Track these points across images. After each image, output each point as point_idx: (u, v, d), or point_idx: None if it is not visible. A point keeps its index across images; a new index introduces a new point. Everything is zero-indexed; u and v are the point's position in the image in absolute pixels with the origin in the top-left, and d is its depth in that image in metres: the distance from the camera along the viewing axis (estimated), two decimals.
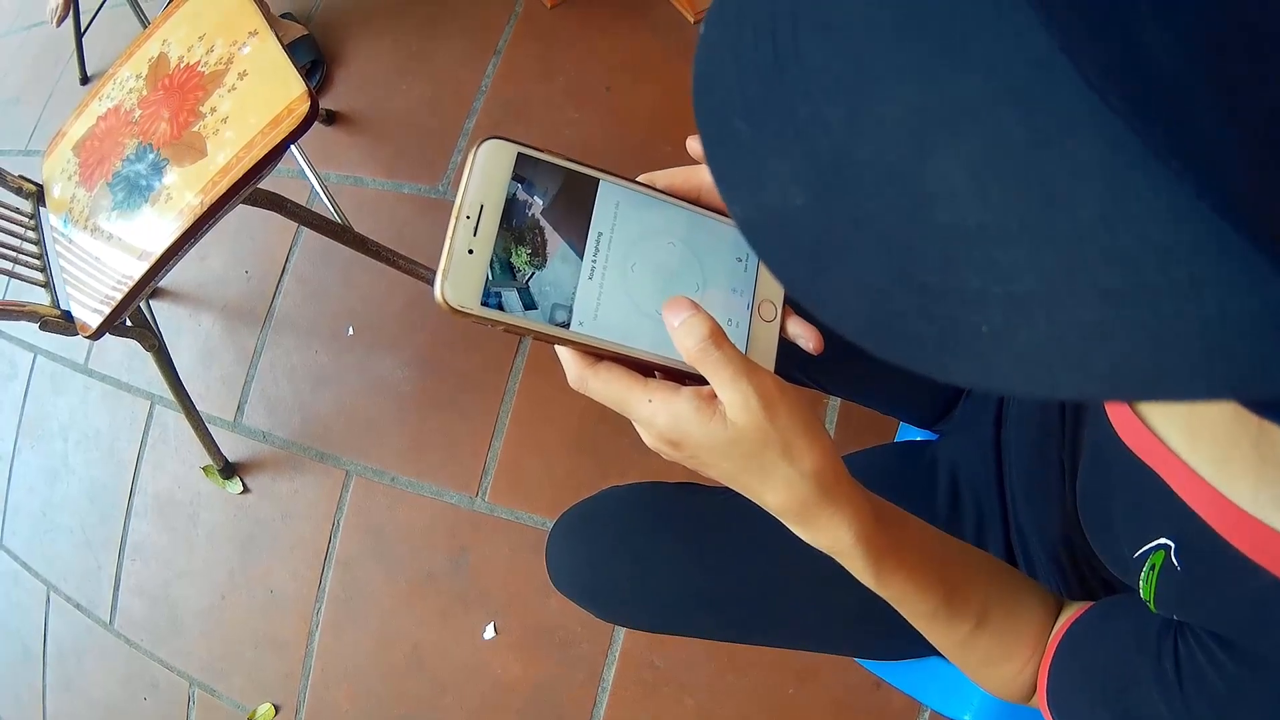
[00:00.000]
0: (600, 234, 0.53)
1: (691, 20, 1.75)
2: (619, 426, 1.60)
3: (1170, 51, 0.17)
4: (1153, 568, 0.52)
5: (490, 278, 0.49)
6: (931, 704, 0.92)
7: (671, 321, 0.51)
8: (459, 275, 0.48)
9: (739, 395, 0.50)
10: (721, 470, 0.53)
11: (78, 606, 1.97)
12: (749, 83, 0.28)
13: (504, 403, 1.67)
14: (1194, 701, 0.50)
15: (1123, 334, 0.22)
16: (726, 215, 0.56)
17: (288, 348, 1.84)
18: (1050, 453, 0.77)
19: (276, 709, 1.74)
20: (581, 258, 0.52)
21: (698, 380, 0.52)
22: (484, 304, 0.48)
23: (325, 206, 1.65)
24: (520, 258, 0.50)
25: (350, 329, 1.79)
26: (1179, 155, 0.20)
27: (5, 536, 2.13)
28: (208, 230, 1.33)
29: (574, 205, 0.52)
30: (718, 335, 0.50)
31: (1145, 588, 0.54)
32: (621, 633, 1.54)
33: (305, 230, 1.86)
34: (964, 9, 0.23)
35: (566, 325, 0.51)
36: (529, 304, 0.50)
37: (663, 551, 0.86)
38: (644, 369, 0.54)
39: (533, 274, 0.50)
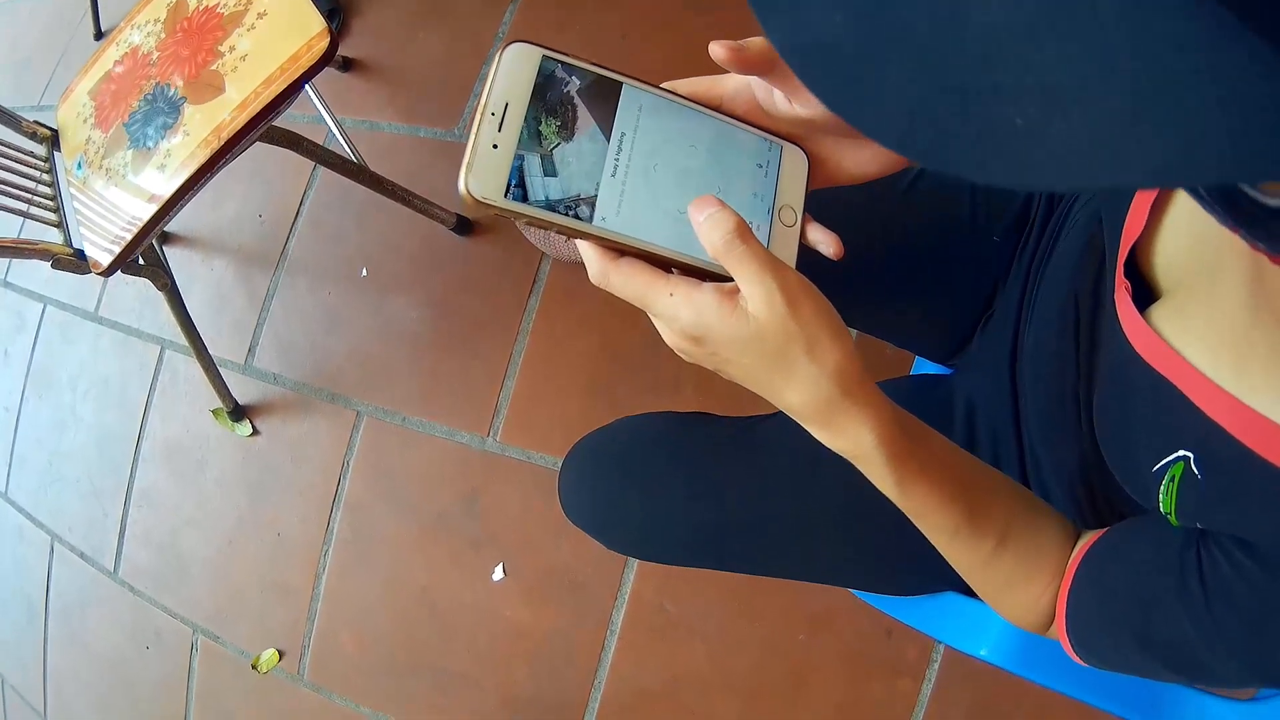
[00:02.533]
0: (624, 134, 0.52)
1: None
2: (632, 368, 1.55)
3: None
4: (1172, 479, 0.50)
5: (513, 172, 0.49)
6: (946, 639, 0.89)
7: (697, 217, 0.50)
8: (483, 169, 0.48)
9: (763, 290, 0.49)
10: (742, 367, 0.51)
11: (82, 556, 1.92)
12: None
13: (517, 343, 1.62)
14: (1221, 616, 0.48)
15: (1149, 119, 0.22)
16: (748, 123, 0.56)
17: (300, 290, 1.80)
18: (1066, 385, 0.74)
19: (281, 655, 1.69)
20: (605, 157, 0.52)
21: (718, 280, 0.51)
22: (507, 196, 0.49)
23: (341, 147, 1.61)
24: (548, 143, 0.50)
25: (364, 271, 1.75)
26: None
27: (10, 490, 2.08)
28: (223, 166, 1.31)
29: (598, 107, 0.52)
30: (743, 230, 0.49)
31: (1166, 500, 0.51)
32: (631, 576, 1.49)
33: (320, 174, 1.82)
34: None
35: (589, 220, 0.50)
36: (553, 194, 0.50)
37: (676, 482, 0.83)
38: (664, 267, 0.52)
39: (557, 167, 0.50)
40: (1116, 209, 0.58)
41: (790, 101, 0.54)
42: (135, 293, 1.95)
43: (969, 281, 0.88)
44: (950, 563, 0.63)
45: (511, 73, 0.50)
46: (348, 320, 1.75)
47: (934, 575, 0.84)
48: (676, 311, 0.50)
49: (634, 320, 1.57)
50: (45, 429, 2.02)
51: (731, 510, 0.82)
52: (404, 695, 1.60)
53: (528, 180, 0.49)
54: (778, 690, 1.42)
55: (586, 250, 0.51)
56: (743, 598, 1.44)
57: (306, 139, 1.45)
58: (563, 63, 0.52)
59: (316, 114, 1.66)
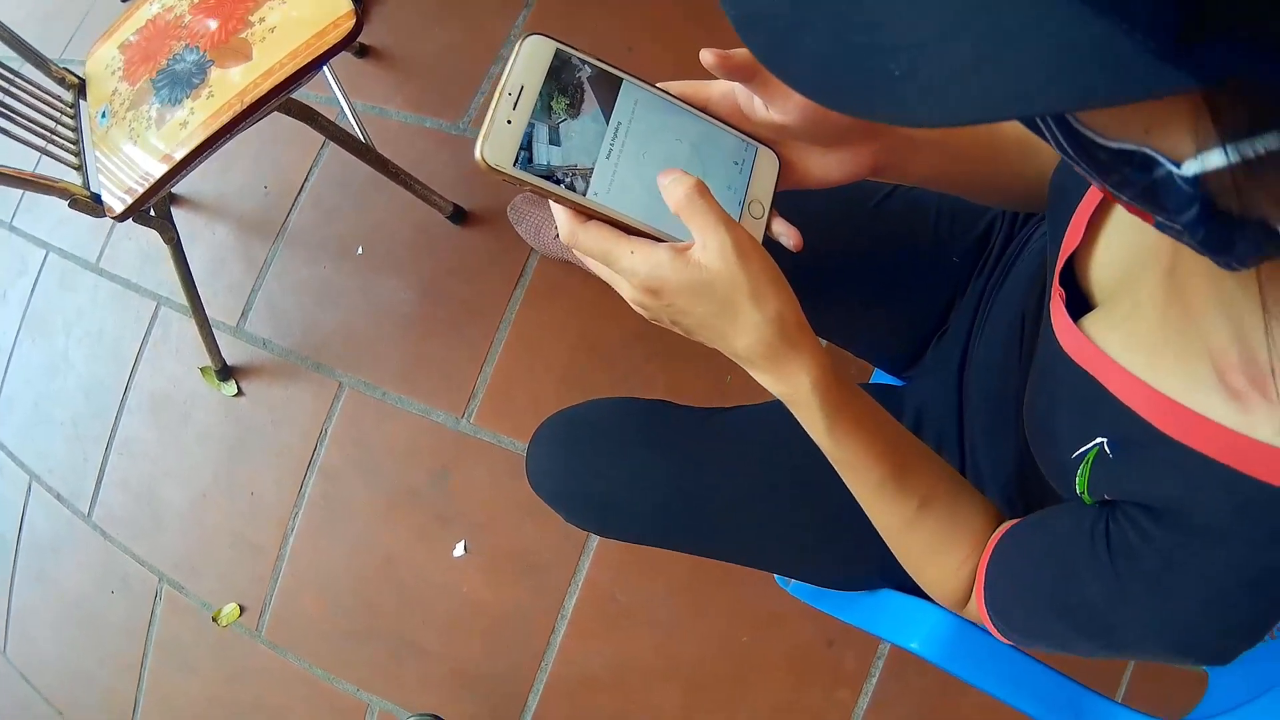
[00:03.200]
0: (620, 124, 0.58)
1: None
2: (608, 363, 1.60)
3: None
4: (1087, 461, 0.55)
5: (523, 141, 0.55)
6: (881, 633, 0.92)
7: (663, 180, 0.56)
8: (497, 140, 0.54)
9: (716, 239, 0.54)
10: (695, 316, 0.56)
11: (59, 497, 1.95)
12: None
13: (499, 331, 1.66)
14: (1126, 576, 0.52)
15: (991, 63, 0.27)
16: (729, 125, 0.62)
17: (297, 262, 1.83)
18: (1008, 393, 0.78)
19: (242, 610, 1.72)
20: (601, 141, 0.58)
21: None
22: (515, 165, 0.55)
23: (351, 127, 1.65)
24: (555, 117, 0.57)
25: (360, 249, 1.79)
26: None
27: None
28: (241, 130, 1.35)
29: (600, 96, 0.58)
30: (702, 188, 0.55)
31: (1080, 480, 0.56)
32: (587, 563, 1.53)
33: (327, 152, 1.86)
34: None
35: (583, 194, 0.56)
36: (555, 161, 0.56)
37: (638, 459, 0.87)
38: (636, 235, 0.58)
39: (561, 138, 0.56)
40: (1059, 224, 0.63)
41: (768, 108, 0.59)
42: (137, 248, 1.98)
43: (927, 296, 0.92)
44: (875, 524, 0.67)
45: (529, 59, 0.56)
46: (339, 295, 1.79)
47: (875, 569, 0.88)
48: (635, 266, 0.55)
49: (612, 317, 1.62)
50: (36, 371, 2.04)
51: (690, 489, 0.86)
52: (359, 660, 1.63)
53: (535, 146, 0.55)
54: (719, 686, 1.46)
55: (558, 212, 0.57)
56: (693, 593, 1.49)
57: (321, 115, 1.49)
58: (574, 55, 0.58)
59: (330, 95, 1.70)
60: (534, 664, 1.53)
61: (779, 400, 0.92)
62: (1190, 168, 0.30)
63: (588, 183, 0.56)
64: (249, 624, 1.71)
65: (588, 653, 1.52)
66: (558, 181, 0.56)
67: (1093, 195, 0.59)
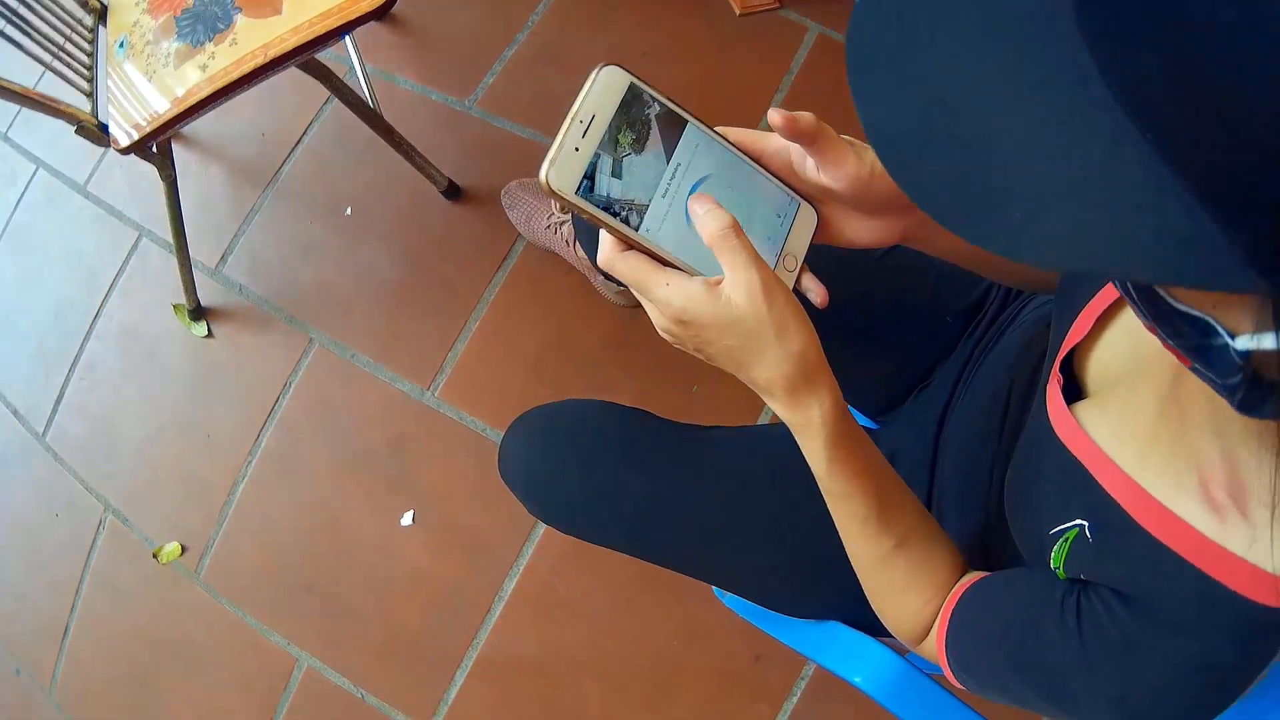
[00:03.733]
0: (679, 165, 0.60)
1: (738, 13, 1.77)
2: (577, 361, 1.60)
3: (1170, 102, 0.28)
4: (1066, 541, 0.57)
5: (588, 169, 0.56)
6: (827, 664, 0.93)
7: (696, 209, 0.59)
8: (563, 166, 0.55)
9: (746, 278, 0.56)
10: (721, 347, 0.59)
11: (15, 413, 1.91)
12: (884, 36, 0.37)
13: (475, 311, 1.66)
14: (1092, 648, 0.54)
15: (1103, 228, 0.30)
16: (777, 178, 0.64)
17: (284, 213, 1.81)
18: (985, 459, 0.80)
19: (183, 550, 1.70)
20: (660, 179, 0.59)
21: None
22: (577, 193, 0.56)
23: (361, 88, 1.63)
24: (620, 150, 0.57)
25: (349, 210, 1.77)
26: (1155, 139, 0.28)
27: None
28: (259, 83, 1.34)
29: (664, 135, 0.59)
30: (737, 227, 0.57)
31: (1056, 556, 0.58)
32: (531, 549, 1.53)
33: (329, 109, 1.84)
34: (1033, 31, 0.32)
35: (635, 228, 0.58)
36: (614, 194, 0.57)
37: (615, 466, 0.87)
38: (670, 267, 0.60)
39: (623, 172, 0.58)
40: (1066, 314, 0.65)
41: (818, 170, 0.61)
42: (127, 177, 1.95)
43: (916, 351, 0.94)
44: (851, 554, 0.69)
45: (603, 89, 0.57)
46: (322, 252, 1.77)
47: (829, 604, 0.89)
48: (670, 297, 0.58)
49: (588, 315, 1.62)
50: (9, 283, 2.00)
51: (664, 507, 0.87)
52: (292, 613, 1.62)
53: (598, 176, 0.56)
54: (643, 687, 1.47)
55: (603, 237, 0.59)
56: (631, 592, 1.49)
57: (335, 75, 1.48)
58: (646, 91, 0.59)
59: (344, 54, 1.69)
60: (466, 641, 1.53)
61: (760, 429, 0.93)
62: (1244, 343, 0.34)
63: (641, 218, 0.58)
64: (189, 564, 1.69)
65: (520, 637, 1.52)
66: (614, 214, 0.57)
67: (1106, 294, 0.61)
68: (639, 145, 0.58)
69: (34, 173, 2.06)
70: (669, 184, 0.59)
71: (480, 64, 1.80)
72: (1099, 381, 0.63)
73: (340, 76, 1.50)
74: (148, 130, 1.34)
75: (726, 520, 0.87)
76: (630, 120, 0.58)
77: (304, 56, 1.33)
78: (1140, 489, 0.52)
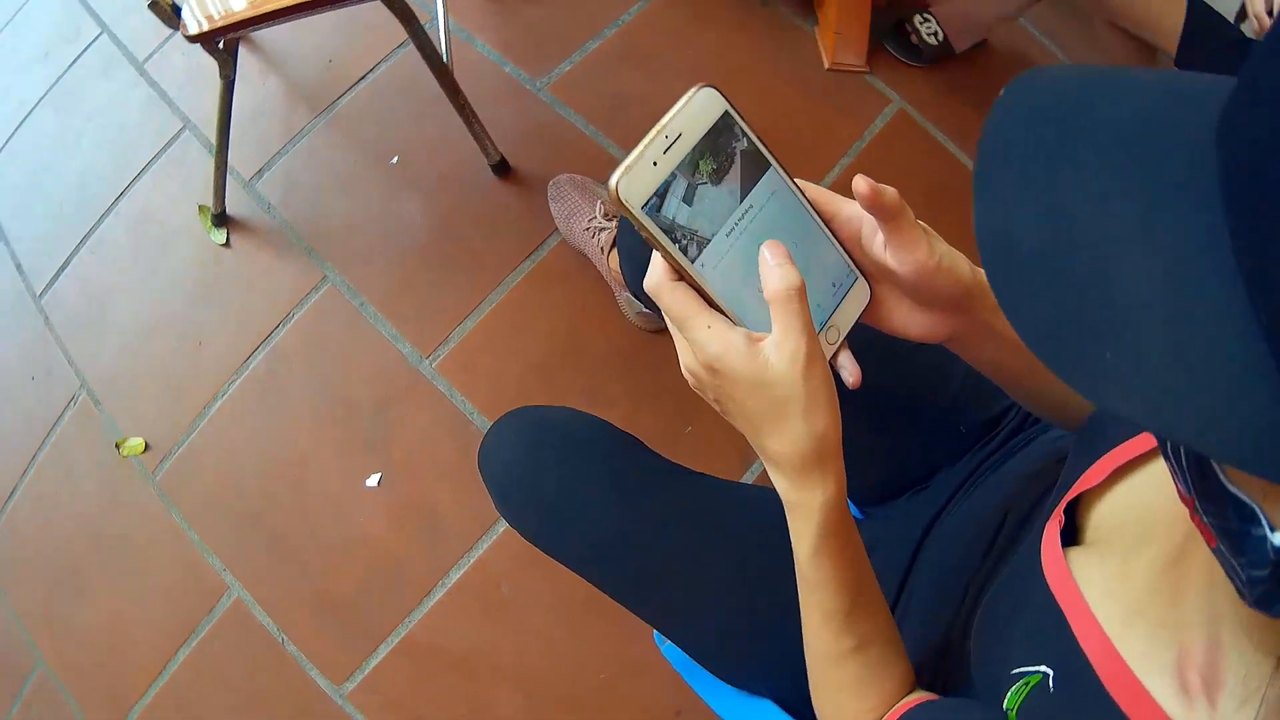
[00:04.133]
0: (751, 207, 0.56)
1: (826, 65, 1.72)
2: (581, 366, 1.56)
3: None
4: (1027, 684, 0.54)
5: (658, 191, 0.52)
6: None
7: (768, 258, 0.54)
8: (637, 177, 0.52)
9: (792, 344, 0.53)
10: (743, 407, 0.56)
11: (18, 266, 1.87)
12: (1028, 140, 0.36)
13: (494, 293, 1.61)
14: None
15: (1188, 403, 0.30)
16: (842, 245, 0.61)
17: (331, 144, 1.77)
18: (963, 577, 0.77)
19: (146, 447, 1.66)
20: (729, 216, 0.55)
21: None
22: (644, 208, 0.52)
23: (439, 41, 1.58)
24: (698, 178, 0.54)
25: (395, 159, 1.73)
26: (1267, 320, 0.28)
27: None
28: (343, 5, 1.31)
29: (744, 173, 0.56)
30: (803, 290, 0.53)
31: (1012, 698, 0.55)
32: (486, 544, 1.50)
33: (401, 53, 1.80)
34: (1173, 177, 0.31)
35: (693, 260, 0.54)
36: (680, 220, 0.54)
37: (595, 487, 0.84)
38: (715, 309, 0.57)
39: (694, 200, 0.54)
40: (1083, 457, 0.62)
41: (886, 249, 0.58)
42: (186, 66, 1.91)
43: (922, 452, 0.91)
44: (806, 644, 0.67)
45: (697, 110, 0.54)
46: (359, 193, 1.72)
47: (768, 680, 0.86)
48: (708, 342, 0.54)
49: (601, 326, 1.57)
50: (46, 139, 1.96)
51: (635, 540, 0.83)
52: (236, 541, 1.58)
53: (669, 197, 0.53)
54: (559, 710, 1.43)
55: (657, 261, 0.55)
56: (574, 614, 1.45)
57: (418, 19, 1.43)
58: (738, 124, 0.55)
59: (431, 3, 1.64)
60: (399, 617, 1.49)
61: (749, 490, 0.89)
62: None
63: (700, 251, 0.54)
64: (147, 464, 1.65)
65: (453, 628, 1.48)
66: (674, 240, 0.53)
67: (1128, 448, 0.58)
68: (717, 177, 0.55)
69: (97, 36, 2.02)
70: (736, 224, 0.56)
71: (561, 48, 1.75)
72: (1099, 531, 0.60)
73: (422, 24, 1.45)
74: (219, 25, 1.31)
75: (690, 570, 0.84)
76: (715, 149, 0.54)
77: None
78: (1116, 654, 0.49)
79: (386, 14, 1.40)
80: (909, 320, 0.63)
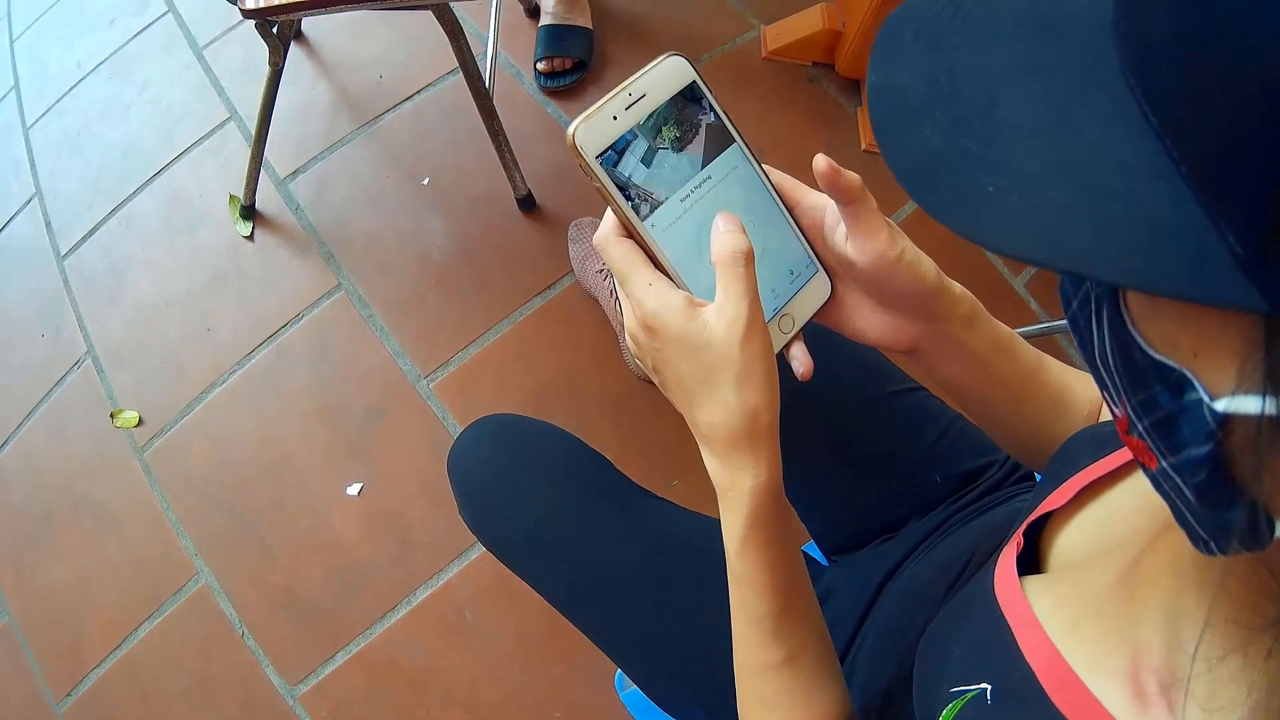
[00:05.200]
0: (709, 178, 0.55)
1: (863, 146, 1.71)
2: (578, 407, 1.54)
3: (1170, 66, 0.24)
4: (963, 699, 0.50)
5: (618, 143, 0.51)
6: None
7: (720, 224, 0.52)
8: (595, 127, 0.51)
9: (733, 308, 0.50)
10: (676, 372, 0.53)
11: (47, 224, 1.86)
12: (925, 19, 0.34)
13: (502, 324, 1.60)
14: None
15: (1079, 218, 0.26)
16: (804, 236, 0.59)
17: (367, 157, 1.76)
18: (917, 621, 0.73)
19: (140, 422, 1.64)
20: (685, 183, 0.54)
21: None
22: (597, 158, 0.51)
23: (485, 70, 1.58)
24: (659, 141, 0.53)
25: (427, 180, 1.72)
26: (1158, 116, 0.25)
27: (34, 129, 2.00)
28: (388, 7, 1.29)
29: (707, 144, 0.55)
30: (750, 258, 0.51)
31: (946, 715, 0.51)
32: (457, 568, 1.47)
33: (451, 80, 1.79)
34: (1060, 21, 0.30)
35: (643, 219, 0.53)
36: (635, 179, 0.52)
37: (554, 492, 0.82)
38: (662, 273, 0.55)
39: (652, 163, 0.53)
40: (1051, 483, 0.58)
41: (848, 240, 0.56)
42: (243, 58, 1.91)
43: (894, 499, 0.87)
44: (735, 654, 0.62)
45: (665, 75, 0.53)
46: (386, 208, 1.71)
47: (704, 708, 0.82)
48: (646, 298, 0.51)
49: (601, 371, 1.56)
50: (96, 105, 1.96)
51: (586, 543, 0.81)
52: (211, 528, 1.55)
53: (626, 155, 0.52)
54: None
55: (608, 217, 0.54)
56: (535, 648, 1.42)
57: (466, 41, 1.42)
58: (705, 95, 0.55)
59: (483, 33, 1.64)
60: (360, 627, 1.46)
61: (712, 520, 0.86)
62: (1222, 404, 0.27)
63: (652, 211, 0.53)
64: (139, 438, 1.63)
65: (411, 646, 1.45)
66: (627, 197, 0.52)
67: (1095, 468, 0.54)
68: (679, 144, 0.54)
69: (163, 14, 2.02)
70: (693, 191, 0.54)
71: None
72: (1061, 558, 0.56)
73: (474, 51, 1.45)
74: (276, 4, 1.29)
75: (642, 589, 0.81)
76: (680, 118, 0.54)
77: None
78: (1061, 660, 0.45)
79: (442, 41, 1.40)
80: (869, 322, 0.60)
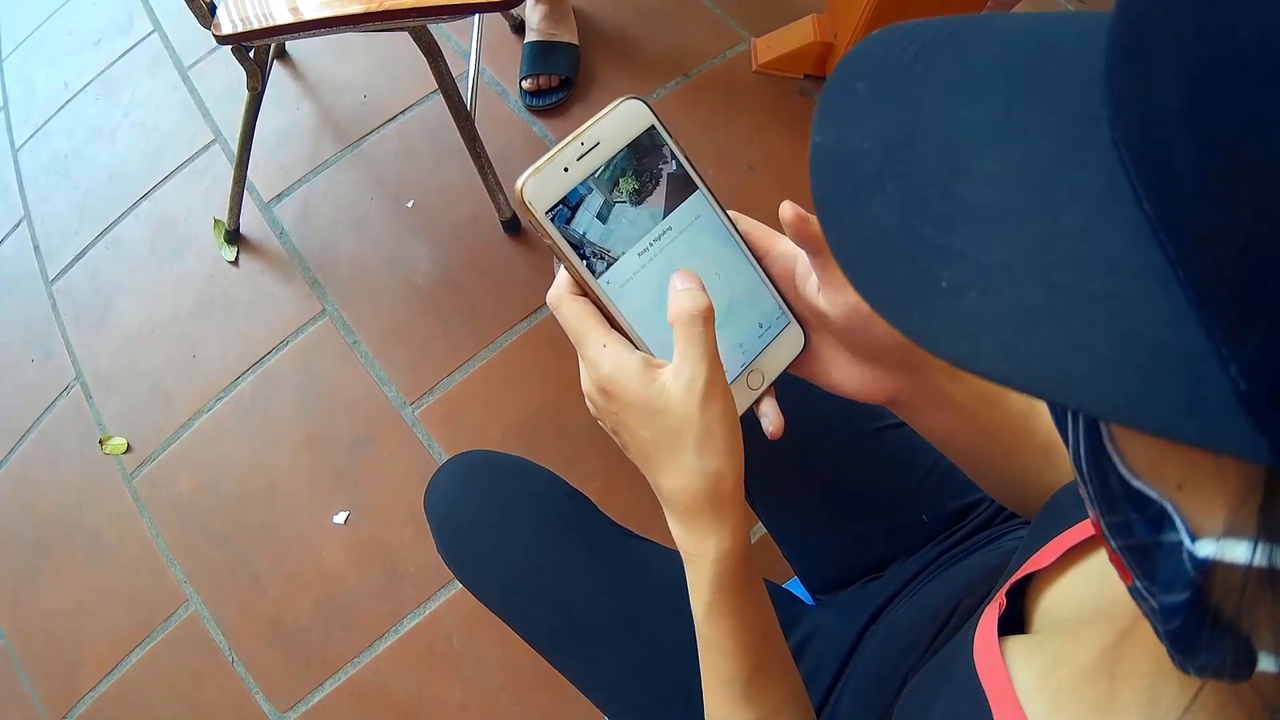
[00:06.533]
0: (669, 229, 0.50)
1: None
2: (562, 437, 1.48)
3: (1182, 148, 0.18)
4: None
5: (570, 197, 0.47)
6: None
7: (677, 283, 0.48)
8: (545, 180, 0.46)
9: (691, 371, 0.46)
10: (635, 437, 0.49)
11: (36, 248, 1.81)
12: (882, 66, 0.28)
13: (488, 350, 1.54)
14: None
15: (1050, 326, 0.21)
16: (775, 287, 0.54)
17: (351, 179, 1.70)
18: (901, 669, 0.69)
19: (129, 448, 1.59)
20: (644, 236, 0.49)
21: None
22: (548, 214, 0.47)
23: (466, 90, 1.52)
24: (616, 196, 0.48)
25: (411, 203, 1.66)
26: (1153, 201, 0.20)
27: (23, 151, 1.94)
28: (366, 29, 1.23)
29: (667, 193, 0.50)
30: (709, 317, 0.47)
31: None
32: (444, 597, 1.42)
33: (433, 101, 1.73)
34: (1048, 69, 0.24)
35: (597, 277, 0.48)
36: (590, 236, 0.48)
37: (530, 531, 0.78)
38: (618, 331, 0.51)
39: (609, 219, 0.48)
40: (1037, 539, 0.54)
41: (820, 292, 0.52)
42: (228, 80, 1.85)
43: (879, 539, 0.82)
44: (707, 712, 0.58)
45: (618, 121, 0.48)
46: (370, 231, 1.65)
47: None
48: (601, 361, 0.48)
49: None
50: (84, 126, 1.90)
51: (565, 588, 0.77)
52: (200, 555, 1.51)
53: (580, 211, 0.47)
54: None
55: (560, 274, 0.50)
56: (522, 680, 1.38)
57: (445, 61, 1.36)
58: (666, 143, 0.50)
59: (467, 50, 1.58)
60: (349, 655, 1.42)
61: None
62: (1205, 548, 0.22)
63: (608, 267, 0.48)
64: (128, 464, 1.58)
65: (399, 675, 1.40)
66: (581, 255, 0.48)
67: (1082, 528, 0.49)
68: (637, 197, 0.49)
69: (148, 34, 1.96)
70: (651, 244, 0.49)
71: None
72: (1046, 619, 0.51)
73: (455, 73, 1.38)
74: (253, 29, 1.24)
75: (620, 624, 0.77)
76: (639, 167, 0.49)
77: (420, 21, 1.24)
78: None
79: (423, 61, 1.34)
80: (847, 374, 0.55)
